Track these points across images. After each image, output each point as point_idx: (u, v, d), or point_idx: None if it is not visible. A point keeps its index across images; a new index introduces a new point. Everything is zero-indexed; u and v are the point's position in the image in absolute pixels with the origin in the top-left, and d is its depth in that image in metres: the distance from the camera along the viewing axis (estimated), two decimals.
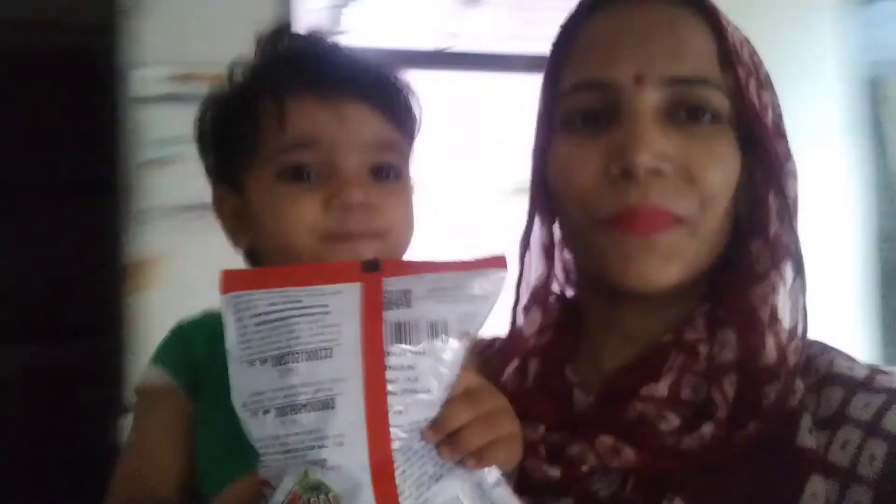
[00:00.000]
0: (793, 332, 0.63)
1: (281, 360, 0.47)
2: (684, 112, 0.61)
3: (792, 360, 0.61)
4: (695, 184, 0.60)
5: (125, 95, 2.04)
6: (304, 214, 0.62)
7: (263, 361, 0.48)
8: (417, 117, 0.71)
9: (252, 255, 0.70)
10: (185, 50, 1.97)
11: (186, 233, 1.85)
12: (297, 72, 0.64)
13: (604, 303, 0.68)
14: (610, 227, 0.61)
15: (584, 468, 0.62)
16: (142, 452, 0.64)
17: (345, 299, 0.49)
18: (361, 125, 0.64)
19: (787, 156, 0.65)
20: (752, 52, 0.65)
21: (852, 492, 0.55)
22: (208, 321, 0.65)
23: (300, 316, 0.48)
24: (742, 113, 0.62)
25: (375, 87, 0.65)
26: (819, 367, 0.63)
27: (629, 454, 0.61)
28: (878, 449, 0.55)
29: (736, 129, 0.62)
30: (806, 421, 0.59)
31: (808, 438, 0.58)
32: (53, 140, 2.23)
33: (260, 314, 0.48)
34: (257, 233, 0.66)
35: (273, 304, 0.49)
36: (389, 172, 0.66)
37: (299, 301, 0.49)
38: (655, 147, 0.59)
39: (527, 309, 0.72)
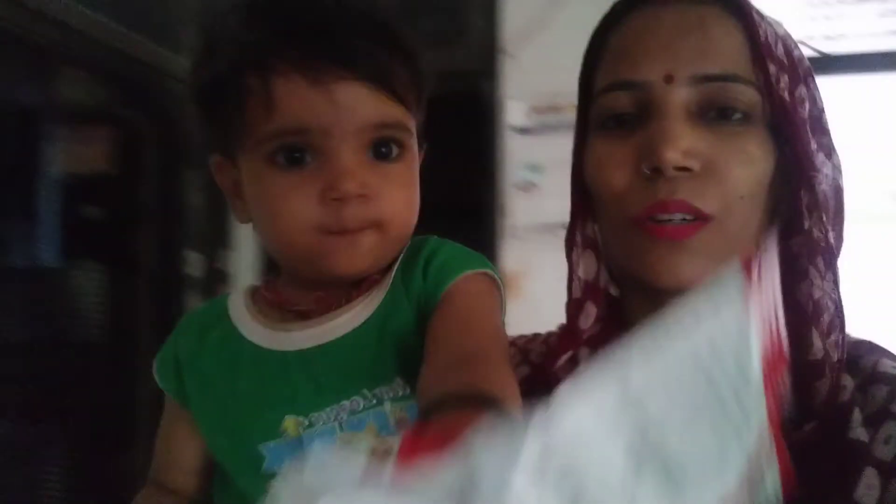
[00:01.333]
0: (831, 325, 0.59)
1: None
2: (714, 111, 0.61)
3: (835, 354, 0.57)
4: (722, 182, 0.60)
5: (499, 126, 2.33)
6: (298, 210, 0.56)
7: None
8: (422, 78, 0.62)
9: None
10: (548, 83, 2.18)
11: (547, 250, 2.05)
12: (284, 46, 0.56)
13: (646, 299, 0.66)
14: (641, 227, 0.61)
15: None
16: (160, 436, 0.67)
17: None
18: (356, 107, 0.57)
19: (829, 150, 0.61)
20: (790, 48, 0.63)
21: (893, 485, 0.52)
22: (205, 309, 0.66)
23: None
24: (774, 109, 0.61)
25: (368, 60, 0.56)
26: (866, 366, 0.60)
27: None
28: None
29: (768, 124, 0.61)
30: (857, 416, 0.56)
31: (860, 432, 0.55)
32: (445, 168, 2.64)
33: None
34: (253, 215, 0.62)
35: None
36: (391, 148, 0.60)
37: None
38: (683, 144, 0.59)
39: (581, 303, 0.70)
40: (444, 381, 0.47)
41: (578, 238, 0.71)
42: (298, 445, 0.56)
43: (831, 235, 0.62)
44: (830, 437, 0.57)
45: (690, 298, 0.33)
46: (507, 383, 0.48)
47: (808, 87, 0.63)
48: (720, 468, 0.32)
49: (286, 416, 0.56)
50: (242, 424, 0.58)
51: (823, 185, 0.62)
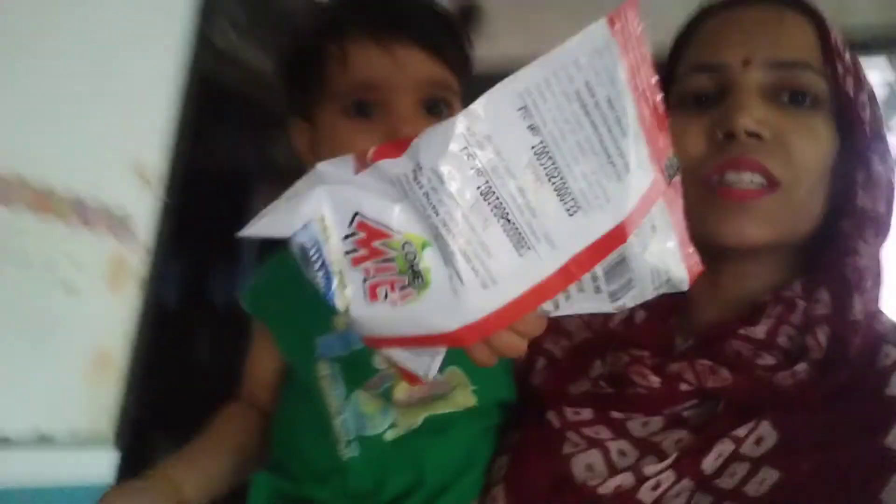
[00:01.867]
0: (873, 285, 0.62)
1: None
2: (787, 95, 0.65)
3: (873, 308, 0.60)
4: (791, 153, 0.64)
5: None
6: (363, 147, 0.64)
7: None
8: (468, 56, 0.75)
9: None
10: None
11: None
12: (358, 18, 0.69)
13: (707, 267, 0.65)
14: (712, 190, 0.65)
15: (682, 387, 0.62)
16: (248, 361, 0.81)
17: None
18: (415, 67, 0.68)
19: (884, 153, 0.67)
20: (857, 62, 0.68)
21: None
22: (280, 257, 0.77)
23: None
24: (840, 103, 0.65)
25: (428, 31, 0.70)
26: None
27: (725, 375, 0.61)
28: None
29: (834, 117, 0.66)
30: (895, 379, 0.56)
31: None
32: None
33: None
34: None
35: None
36: (440, 107, 0.71)
37: None
38: (757, 113, 0.63)
39: None
40: None
41: None
42: (345, 337, 0.68)
43: (882, 206, 0.66)
44: (868, 393, 0.58)
45: (563, 47, 0.36)
46: None
47: (870, 99, 0.68)
48: (603, 205, 0.38)
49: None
50: (306, 322, 0.70)
51: (877, 167, 0.67)
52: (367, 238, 0.39)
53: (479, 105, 0.36)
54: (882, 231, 0.66)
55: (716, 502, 0.56)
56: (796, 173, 0.64)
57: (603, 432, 0.65)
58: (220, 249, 3.43)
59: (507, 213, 0.36)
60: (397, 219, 0.38)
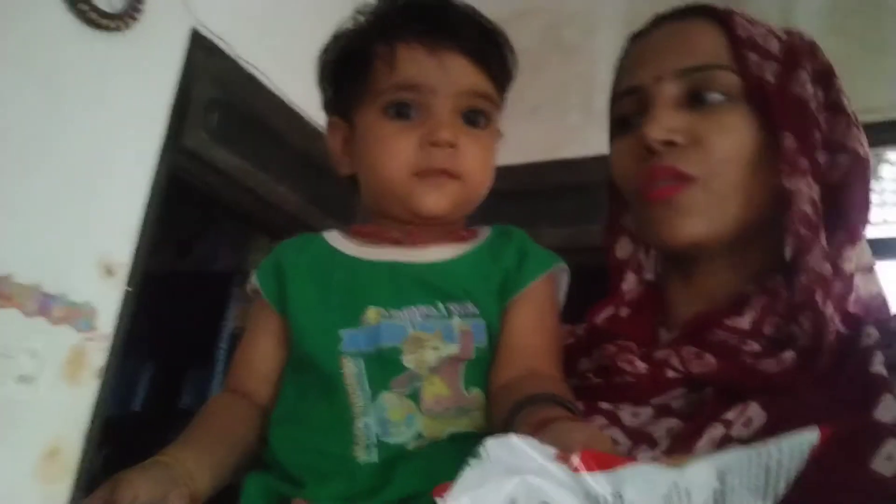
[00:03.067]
0: (848, 279, 0.63)
1: None
2: (700, 97, 0.69)
3: (852, 297, 0.62)
4: (704, 149, 0.67)
5: None
6: (400, 149, 0.68)
7: None
8: (511, 71, 0.76)
9: (352, 180, 0.77)
10: None
11: None
12: (410, 22, 0.70)
13: (680, 270, 0.71)
14: (643, 199, 0.70)
15: (669, 373, 0.63)
16: (242, 349, 0.73)
17: None
18: (459, 75, 0.69)
19: (846, 127, 0.67)
20: (789, 47, 0.71)
21: None
22: (304, 237, 0.75)
23: None
24: (762, 90, 0.68)
25: (474, 41, 0.71)
26: (894, 326, 0.61)
27: (710, 360, 0.62)
28: None
29: (754, 104, 0.68)
30: (879, 357, 0.57)
31: (880, 368, 0.56)
32: None
33: None
34: (359, 160, 0.73)
35: None
36: (479, 118, 0.71)
37: None
38: (665, 123, 0.68)
39: (622, 272, 0.76)
40: (524, 378, 0.61)
41: (616, 227, 0.80)
42: (374, 332, 0.64)
43: (804, 187, 0.66)
44: (853, 373, 0.59)
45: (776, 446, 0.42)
46: (568, 391, 0.62)
47: (819, 75, 0.71)
48: None
49: (369, 307, 0.65)
50: (330, 312, 0.66)
51: (790, 143, 0.67)
52: None
53: (691, 469, 0.41)
54: (843, 222, 0.67)
55: None
56: (711, 166, 0.67)
57: (597, 421, 0.65)
58: (195, 354, 3.43)
59: None
60: None
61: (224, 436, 0.66)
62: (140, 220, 1.95)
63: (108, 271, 1.88)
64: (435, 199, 0.69)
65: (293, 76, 2.32)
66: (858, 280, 0.68)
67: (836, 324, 0.62)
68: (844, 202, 0.69)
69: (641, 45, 0.76)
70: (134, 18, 1.88)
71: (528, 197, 2.67)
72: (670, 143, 0.68)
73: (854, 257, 0.67)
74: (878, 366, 0.58)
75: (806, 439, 0.42)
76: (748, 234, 0.70)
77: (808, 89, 0.70)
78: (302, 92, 2.34)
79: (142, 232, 1.95)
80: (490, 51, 0.73)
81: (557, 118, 2.96)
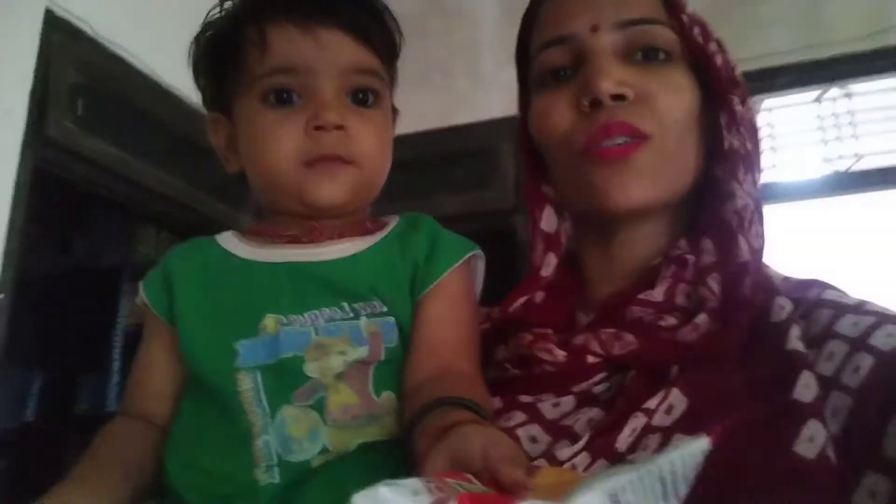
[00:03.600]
0: (752, 222, 0.64)
1: None
2: (640, 52, 0.66)
3: (756, 244, 0.63)
4: (655, 107, 0.65)
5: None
6: (285, 138, 0.64)
7: None
8: (396, 43, 0.71)
9: (243, 176, 0.71)
10: None
11: None
12: (279, 1, 0.66)
13: (598, 241, 0.70)
14: (589, 156, 0.65)
15: (589, 359, 0.62)
16: (136, 367, 0.68)
17: None
18: (338, 51, 0.65)
19: (742, 95, 0.68)
20: (699, 16, 0.70)
21: (833, 397, 0.53)
22: (194, 241, 0.70)
23: None
24: (692, 52, 0.67)
25: (351, 14, 0.66)
26: (810, 296, 0.61)
27: (630, 339, 0.62)
28: (864, 361, 0.53)
29: (690, 67, 0.67)
30: (794, 332, 0.57)
31: (796, 344, 0.56)
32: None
33: None
34: (244, 155, 0.68)
35: None
36: (367, 96, 0.67)
37: None
38: (615, 76, 0.64)
39: (543, 254, 0.73)
40: (437, 378, 0.58)
41: (538, 195, 0.75)
42: (272, 342, 0.59)
43: (749, 145, 0.67)
44: (768, 350, 0.58)
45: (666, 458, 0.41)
46: (482, 391, 0.60)
47: (719, 47, 0.70)
48: None
49: (266, 315, 0.60)
50: (223, 323, 0.61)
51: (738, 107, 0.67)
52: None
53: (576, 500, 0.38)
54: (752, 168, 0.67)
55: None
56: (664, 124, 0.65)
57: (515, 418, 0.62)
58: (88, 357, 3.25)
59: None
60: None
61: (118, 467, 0.61)
62: (7, 221, 1.81)
63: None
64: (330, 189, 0.65)
65: (164, 55, 2.19)
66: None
67: (749, 280, 0.61)
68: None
69: None
70: None
71: (421, 166, 2.64)
72: (620, 97, 0.64)
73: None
74: (795, 341, 0.58)
75: (697, 447, 0.42)
76: (682, 199, 0.68)
77: (725, 60, 0.69)
78: (177, 72, 2.21)
79: (9, 233, 1.81)
80: (370, 23, 0.68)
81: (446, 85, 2.95)
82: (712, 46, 0.69)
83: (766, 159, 2.57)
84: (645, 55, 0.66)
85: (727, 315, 0.60)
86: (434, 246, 0.66)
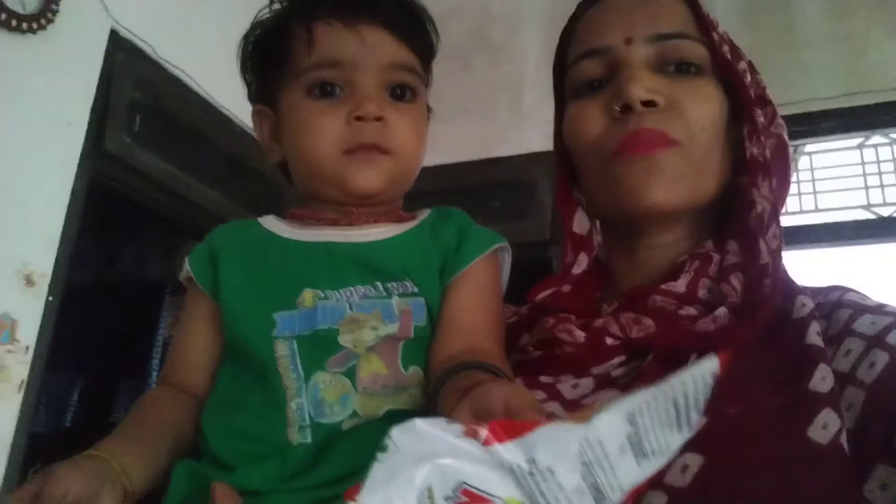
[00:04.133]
0: (769, 225, 0.65)
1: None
2: (672, 65, 0.69)
3: (774, 244, 0.64)
4: (685, 115, 0.67)
5: None
6: (327, 127, 0.67)
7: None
8: (433, 43, 0.75)
9: (283, 167, 0.76)
10: None
11: None
12: (324, 0, 0.69)
13: (624, 246, 0.71)
14: (619, 155, 0.67)
15: (608, 340, 0.63)
16: (176, 340, 0.72)
17: None
18: (379, 47, 0.69)
19: (765, 108, 0.70)
20: (729, 36, 0.72)
21: (848, 391, 0.53)
22: (237, 222, 0.74)
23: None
24: (720, 67, 0.69)
25: (393, 14, 0.70)
26: (831, 298, 0.62)
27: (649, 323, 0.63)
28: (880, 358, 0.53)
29: (718, 80, 0.69)
30: (814, 327, 0.58)
31: (815, 339, 0.57)
32: None
33: None
34: (287, 145, 0.72)
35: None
36: (405, 92, 0.71)
37: None
38: (647, 83, 0.67)
39: (576, 254, 0.75)
40: (462, 353, 0.61)
41: (570, 200, 0.77)
42: (309, 315, 0.62)
43: (768, 153, 0.69)
44: (787, 343, 0.59)
45: (678, 379, 0.43)
46: (506, 366, 0.62)
47: (749, 67, 0.72)
48: (665, 455, 0.44)
49: (305, 289, 0.63)
50: (264, 296, 0.64)
51: (760, 119, 0.70)
52: (469, 502, 0.42)
53: (598, 420, 0.42)
54: (770, 174, 0.68)
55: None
56: (692, 132, 0.67)
57: (536, 394, 0.63)
58: (127, 367, 3.33)
59: (598, 485, 0.42)
60: (499, 487, 0.41)
61: (159, 430, 0.63)
62: (61, 228, 1.89)
63: (29, 281, 1.81)
64: (367, 176, 0.68)
65: (218, 77, 2.29)
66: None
67: (769, 280, 0.63)
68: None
69: (604, 8, 0.74)
70: (49, 20, 1.82)
71: (460, 195, 2.68)
72: (650, 104, 0.67)
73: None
74: (814, 336, 0.59)
75: (707, 367, 0.44)
76: (706, 206, 0.70)
77: (753, 78, 0.72)
78: (228, 93, 2.31)
79: (63, 240, 1.89)
80: (410, 23, 0.72)
81: (487, 118, 3.00)
82: (741, 65, 0.71)
83: (807, 202, 2.56)
84: (677, 67, 0.69)
85: (747, 311, 0.62)
86: (464, 235, 0.69)
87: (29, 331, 1.81)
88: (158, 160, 2.19)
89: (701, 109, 0.68)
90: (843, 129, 2.51)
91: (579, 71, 0.73)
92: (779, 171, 0.71)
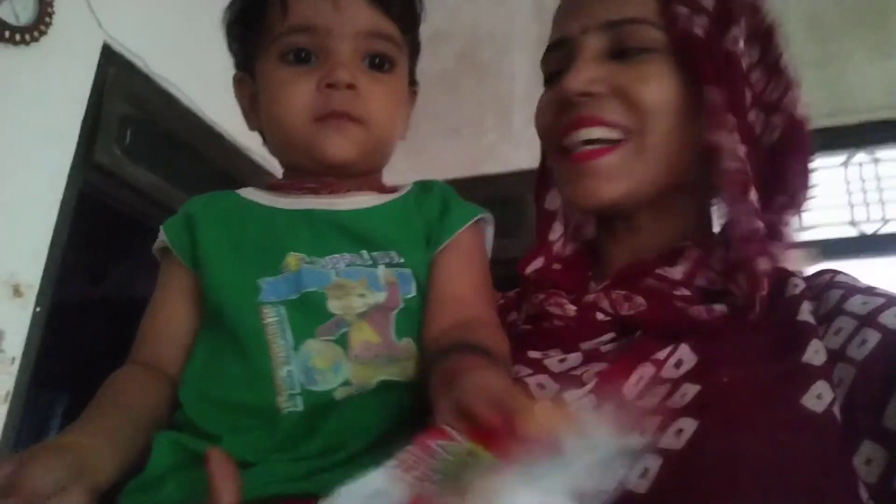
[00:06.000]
0: (787, 241, 0.64)
1: None
2: (622, 49, 0.67)
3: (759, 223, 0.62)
4: (630, 101, 0.65)
5: None
6: (298, 93, 0.67)
7: None
8: (416, 12, 0.74)
9: (262, 135, 0.74)
10: None
11: None
12: None
13: (610, 223, 0.71)
14: (566, 157, 0.68)
15: (598, 316, 0.63)
16: (148, 314, 0.68)
17: None
18: (356, 14, 0.67)
19: (784, 88, 0.66)
20: (724, 3, 0.67)
21: (839, 368, 0.53)
22: (215, 193, 0.72)
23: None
24: (688, 46, 0.65)
25: None
26: (823, 280, 0.62)
27: (640, 301, 0.62)
28: (871, 336, 0.54)
29: (681, 60, 0.66)
30: (805, 306, 0.58)
31: (807, 316, 0.57)
32: None
33: None
34: (263, 112, 0.71)
35: None
36: (383, 62, 0.69)
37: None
38: (584, 74, 0.66)
39: (549, 222, 0.74)
40: (454, 326, 0.60)
41: (545, 181, 0.77)
42: (295, 279, 0.61)
43: (737, 136, 0.64)
44: (780, 320, 0.59)
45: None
46: (498, 336, 0.62)
47: (751, 36, 0.68)
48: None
49: (289, 253, 0.62)
50: (247, 262, 0.63)
51: (714, 97, 0.64)
52: None
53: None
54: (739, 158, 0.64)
55: (638, 420, 0.54)
56: (641, 118, 0.65)
57: (522, 371, 0.63)
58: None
59: None
60: None
61: (130, 413, 0.59)
62: (50, 239, 1.89)
63: (16, 292, 1.80)
64: (337, 145, 0.67)
65: (210, 92, 2.30)
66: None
67: (765, 279, 0.61)
68: (784, 167, 0.68)
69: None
70: (43, 32, 1.84)
71: None
72: (588, 94, 0.66)
73: (795, 224, 0.67)
74: (806, 314, 0.59)
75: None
76: (677, 190, 0.68)
77: (739, 46, 0.67)
78: (220, 108, 2.32)
79: (51, 251, 1.89)
80: None
81: (476, 137, 3.03)
82: (734, 32, 0.67)
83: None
84: (628, 53, 0.67)
85: (745, 310, 0.61)
86: (446, 207, 0.69)
87: (15, 342, 1.79)
88: (149, 174, 2.20)
89: (646, 91, 0.65)
90: (826, 147, 2.54)
91: (546, 64, 0.73)
92: (794, 156, 0.67)
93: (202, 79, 2.30)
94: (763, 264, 0.61)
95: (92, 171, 2.02)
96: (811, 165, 0.69)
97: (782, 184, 0.67)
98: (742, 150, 0.64)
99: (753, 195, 0.63)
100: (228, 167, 2.42)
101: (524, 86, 3.04)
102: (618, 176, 0.66)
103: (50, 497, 0.47)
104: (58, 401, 3.34)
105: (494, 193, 3.01)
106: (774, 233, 0.65)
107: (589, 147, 0.66)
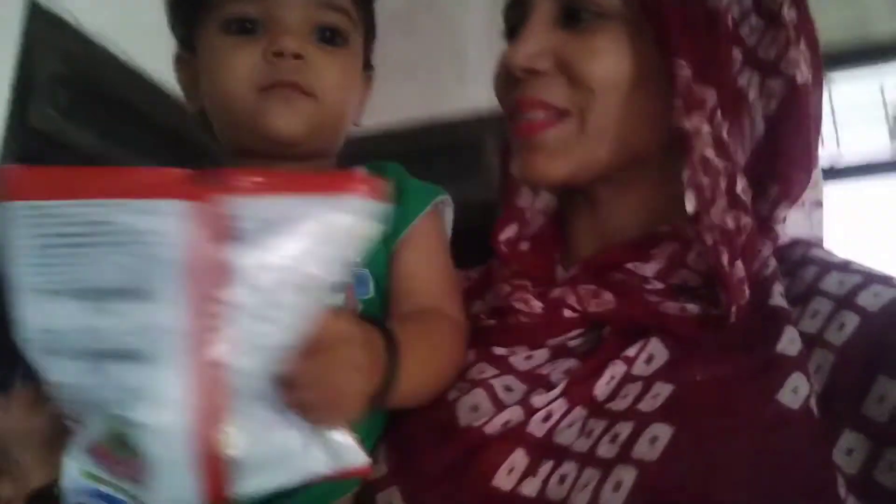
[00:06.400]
0: (773, 238, 0.60)
1: (85, 295, 0.38)
2: (576, 13, 0.63)
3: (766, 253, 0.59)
4: (573, 78, 0.62)
5: None
6: (241, 63, 0.63)
7: (60, 294, 0.38)
8: None
9: (203, 118, 0.70)
10: None
11: None
12: None
13: (583, 198, 0.70)
14: (512, 127, 0.66)
15: (566, 313, 0.62)
16: None
17: (169, 223, 0.39)
18: None
19: (784, 43, 0.59)
20: None
21: (816, 353, 0.53)
22: None
23: (109, 243, 0.38)
24: (651, 6, 0.60)
25: None
26: (795, 254, 0.61)
27: (609, 298, 0.61)
28: (850, 320, 0.53)
29: (643, 25, 0.61)
30: (777, 288, 0.57)
31: (779, 300, 0.56)
32: None
33: (59, 234, 0.38)
34: (204, 88, 0.68)
35: (75, 222, 0.38)
36: (334, 36, 0.66)
37: (108, 221, 0.39)
38: (528, 47, 0.63)
39: (516, 187, 0.73)
40: (410, 314, 0.60)
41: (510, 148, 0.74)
42: None
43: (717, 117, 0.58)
44: (753, 305, 0.57)
45: None
46: (462, 312, 0.63)
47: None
48: None
49: None
50: None
51: (682, 72, 0.58)
52: None
53: None
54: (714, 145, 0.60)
55: (610, 425, 0.53)
56: (583, 97, 0.61)
57: (487, 370, 0.62)
58: None
59: None
60: None
61: None
62: None
63: None
64: (285, 117, 0.63)
65: (149, 47, 2.16)
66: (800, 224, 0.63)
67: (745, 287, 0.58)
68: (781, 147, 0.61)
69: None
70: None
71: (405, 159, 2.64)
72: (532, 71, 0.63)
73: (786, 217, 0.61)
74: (778, 297, 0.57)
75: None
76: (642, 166, 0.64)
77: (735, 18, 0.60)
78: (160, 63, 2.19)
79: None
80: None
81: (431, 78, 2.93)
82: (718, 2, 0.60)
83: None
84: (579, 18, 0.62)
85: (719, 315, 0.59)
86: (401, 195, 0.66)
87: None
88: (89, 135, 2.09)
89: (593, 68, 0.61)
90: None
91: (505, 20, 0.70)
92: (792, 129, 0.61)
93: (140, 33, 2.15)
94: (737, 268, 0.57)
95: (28, 134, 1.91)
96: (815, 145, 0.62)
97: (778, 168, 0.61)
98: (725, 129, 0.58)
99: (741, 185, 0.59)
100: (174, 123, 2.31)
101: (481, 25, 2.95)
102: (560, 154, 0.63)
103: None
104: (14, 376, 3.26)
105: (452, 138, 2.96)
106: (764, 229, 0.61)
107: (529, 121, 0.63)
